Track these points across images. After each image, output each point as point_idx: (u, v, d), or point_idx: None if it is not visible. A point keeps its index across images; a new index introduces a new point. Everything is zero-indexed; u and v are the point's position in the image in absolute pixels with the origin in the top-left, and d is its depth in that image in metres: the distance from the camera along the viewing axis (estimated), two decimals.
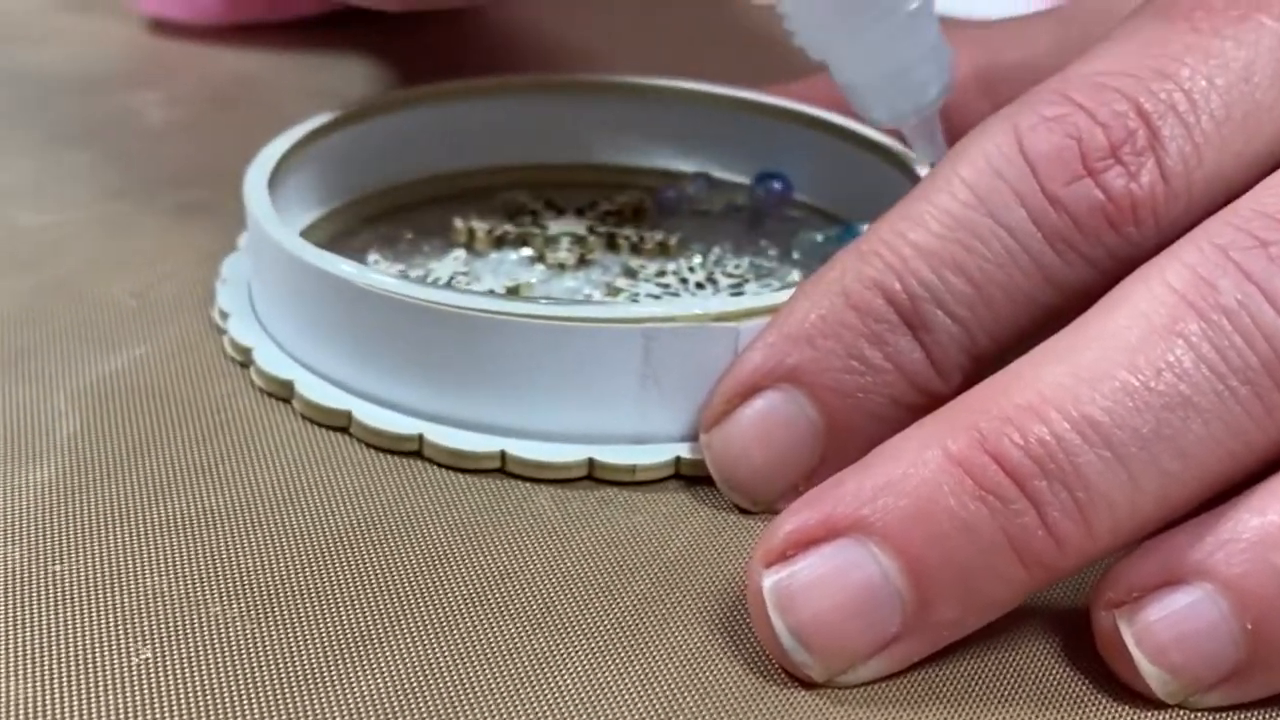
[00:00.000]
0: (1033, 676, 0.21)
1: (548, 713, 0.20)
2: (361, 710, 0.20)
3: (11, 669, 0.20)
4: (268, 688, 0.20)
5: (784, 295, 0.25)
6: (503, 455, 0.25)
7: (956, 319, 0.22)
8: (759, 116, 0.33)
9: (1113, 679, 0.21)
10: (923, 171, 0.28)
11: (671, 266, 0.30)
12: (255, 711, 0.19)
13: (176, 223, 0.33)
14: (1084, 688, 0.21)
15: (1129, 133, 0.22)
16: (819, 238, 0.31)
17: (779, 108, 0.33)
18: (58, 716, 0.19)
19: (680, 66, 0.35)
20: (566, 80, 0.34)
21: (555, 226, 0.31)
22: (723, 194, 0.33)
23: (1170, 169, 0.22)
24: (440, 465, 0.25)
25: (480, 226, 0.31)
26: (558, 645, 0.21)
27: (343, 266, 0.25)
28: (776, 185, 0.33)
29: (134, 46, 0.43)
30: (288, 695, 0.20)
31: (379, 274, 0.25)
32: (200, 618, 0.21)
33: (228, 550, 0.23)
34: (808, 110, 0.33)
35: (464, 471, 0.25)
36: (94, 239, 0.32)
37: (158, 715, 0.19)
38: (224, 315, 0.28)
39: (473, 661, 0.21)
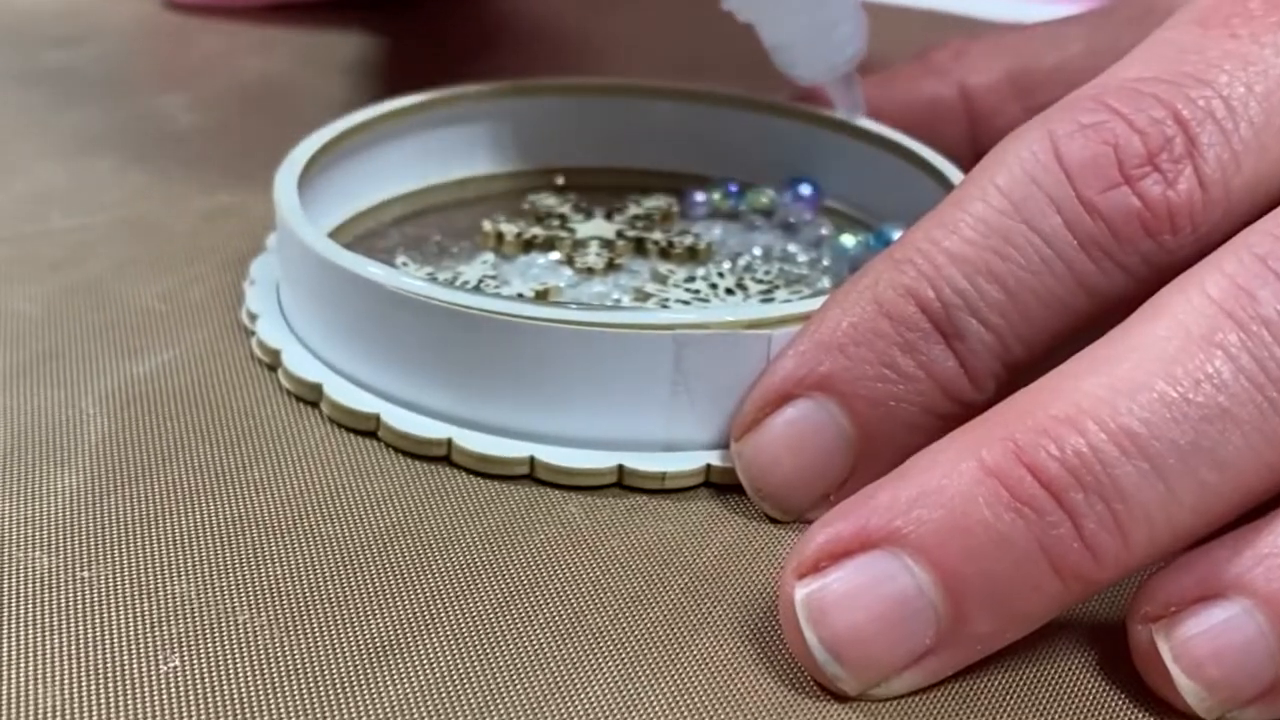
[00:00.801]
0: (1068, 690, 0.21)
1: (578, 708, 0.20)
2: (388, 716, 0.19)
3: (39, 676, 0.20)
4: (294, 696, 0.20)
5: (816, 303, 0.25)
6: (532, 461, 0.25)
7: (990, 327, 0.22)
8: (789, 121, 0.33)
9: (1149, 693, 0.21)
10: (849, 117, 0.32)
11: (701, 272, 0.30)
12: (282, 716, 0.19)
13: (205, 225, 0.33)
14: (1120, 702, 0.21)
15: (1166, 140, 0.22)
16: (849, 243, 0.31)
17: (808, 113, 0.33)
18: None
19: (682, 60, 0.34)
20: (595, 84, 0.34)
21: (584, 230, 0.31)
22: (752, 199, 0.33)
23: (1208, 176, 0.22)
24: (469, 471, 0.25)
25: (508, 229, 0.31)
26: (587, 655, 0.21)
27: (372, 269, 0.25)
28: (806, 190, 0.33)
29: (159, 48, 0.43)
30: (314, 704, 0.20)
31: (409, 277, 0.25)
32: (228, 625, 0.21)
33: (255, 557, 0.22)
34: (837, 115, 0.33)
35: (492, 477, 0.25)
36: (122, 241, 0.32)
37: None
38: (252, 317, 0.28)
39: (501, 670, 0.20)
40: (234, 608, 0.21)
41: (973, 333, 0.22)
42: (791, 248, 0.32)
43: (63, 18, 0.45)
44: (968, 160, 0.31)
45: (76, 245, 0.31)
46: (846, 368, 0.23)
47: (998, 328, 0.22)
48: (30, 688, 0.20)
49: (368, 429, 0.26)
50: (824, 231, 0.32)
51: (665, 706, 0.20)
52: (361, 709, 0.20)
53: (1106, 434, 0.20)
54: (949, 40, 0.34)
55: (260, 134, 0.37)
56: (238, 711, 0.19)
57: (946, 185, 0.30)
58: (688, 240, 0.31)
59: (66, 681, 0.20)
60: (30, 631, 0.21)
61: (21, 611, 0.21)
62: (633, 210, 0.32)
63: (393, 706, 0.20)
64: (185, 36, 0.43)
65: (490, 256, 0.30)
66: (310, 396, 0.26)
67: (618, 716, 0.20)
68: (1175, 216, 0.22)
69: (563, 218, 0.32)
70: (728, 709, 0.20)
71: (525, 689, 0.20)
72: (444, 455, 0.25)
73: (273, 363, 0.27)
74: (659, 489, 0.25)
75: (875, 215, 0.32)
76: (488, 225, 0.31)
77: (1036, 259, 0.22)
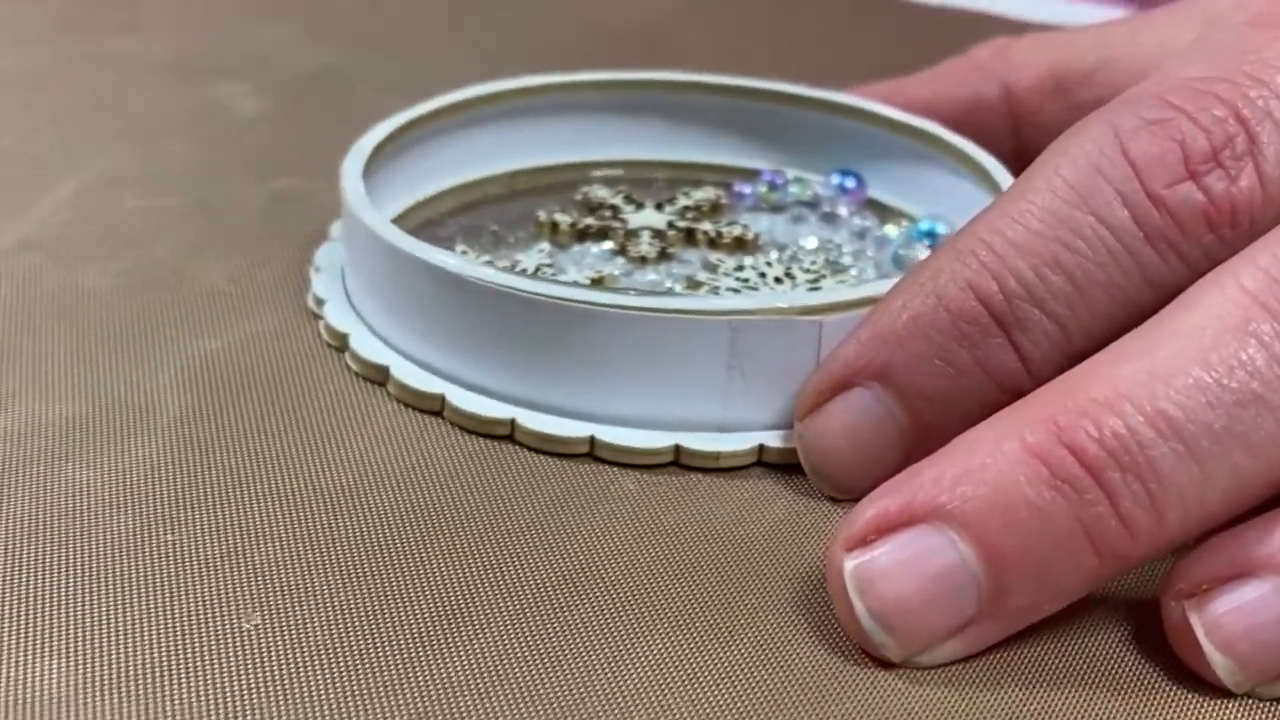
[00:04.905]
0: (1104, 663, 0.22)
1: (635, 689, 0.21)
2: (455, 679, 0.21)
3: (131, 631, 0.21)
4: (370, 654, 0.21)
5: (865, 290, 0.26)
6: (592, 440, 0.26)
7: (1055, 318, 0.23)
8: (835, 116, 0.34)
9: (1181, 667, 0.22)
10: None
11: (749, 261, 0.31)
12: (357, 675, 0.21)
13: (268, 210, 0.34)
14: (1153, 675, 0.22)
15: (1229, 137, 0.23)
16: (892, 234, 0.32)
17: (855, 107, 0.34)
18: (174, 678, 0.20)
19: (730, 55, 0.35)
20: (644, 79, 0.35)
21: (635, 220, 0.32)
22: (797, 191, 0.34)
23: (1267, 174, 0.23)
24: (531, 449, 0.26)
25: (563, 220, 0.32)
26: (644, 624, 0.22)
27: (442, 256, 0.26)
28: (850, 183, 0.34)
29: (217, 36, 0.44)
30: (388, 663, 0.21)
31: (475, 264, 0.26)
32: (306, 588, 0.22)
33: (330, 526, 0.24)
34: (883, 110, 0.34)
35: (554, 455, 0.26)
36: (190, 224, 0.33)
37: (266, 678, 0.20)
38: (319, 301, 0.29)
39: (561, 637, 0.22)
40: (311, 572, 0.22)
41: (1036, 323, 0.23)
42: (836, 238, 0.33)
43: (121, 6, 0.46)
44: (1009, 157, 0.32)
45: (147, 226, 0.33)
46: (904, 360, 0.24)
47: (1062, 318, 0.23)
48: (123, 643, 0.21)
49: (433, 409, 0.27)
50: (867, 223, 0.33)
51: (719, 673, 0.21)
52: (431, 671, 0.21)
53: (1144, 417, 0.21)
54: (993, 39, 0.35)
55: (316, 122, 0.38)
56: (317, 667, 0.21)
57: (988, 180, 0.31)
58: (736, 231, 0.32)
59: (157, 637, 0.21)
60: (120, 591, 0.22)
61: (111, 571, 0.22)
62: (682, 202, 0.33)
63: (461, 669, 0.21)
64: (241, 25, 0.45)
65: (546, 245, 0.32)
66: (377, 378, 0.28)
67: (673, 683, 0.21)
68: (1236, 211, 0.23)
69: (614, 209, 0.33)
70: (779, 675, 0.21)
71: (585, 655, 0.21)
72: (507, 434, 0.26)
73: (340, 345, 0.28)
74: (714, 468, 0.26)
75: (917, 207, 0.33)
76: (542, 215, 0.32)
77: (1103, 250, 0.23)
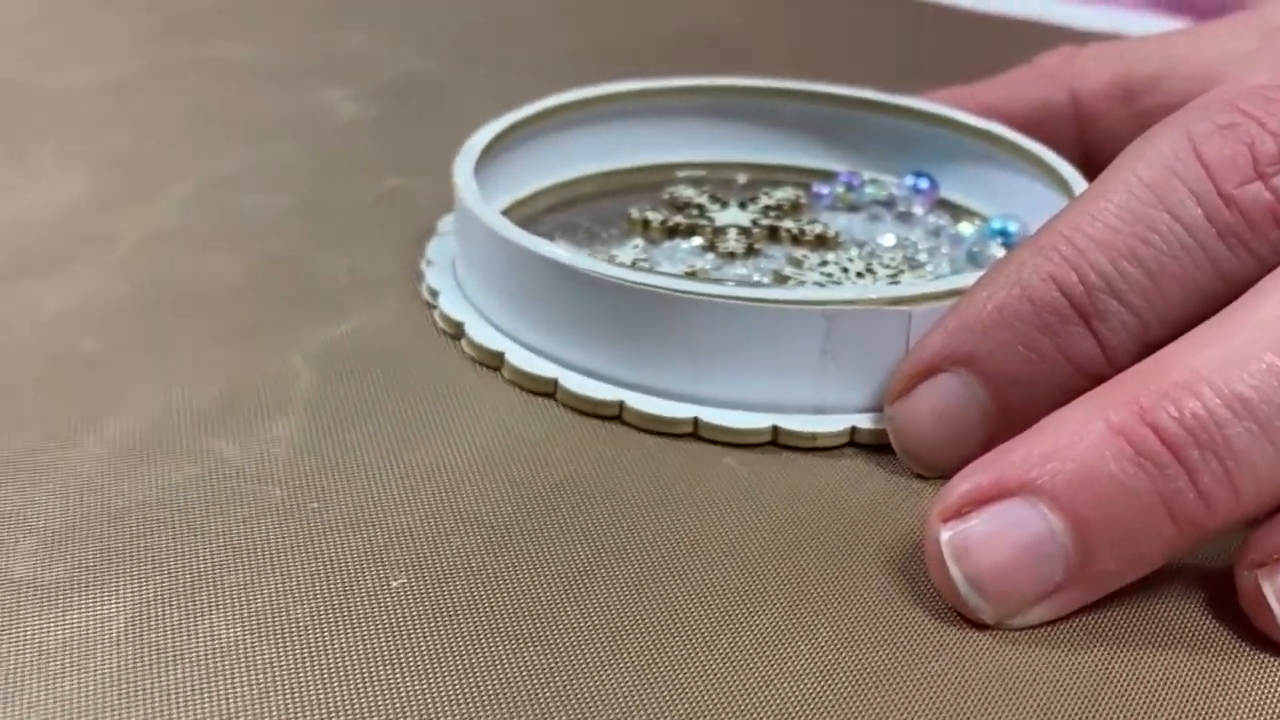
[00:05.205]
0: (1181, 627, 0.24)
1: (745, 651, 0.23)
2: (580, 640, 0.23)
3: (289, 590, 0.23)
4: (502, 611, 0.23)
5: (952, 283, 0.27)
6: (695, 422, 0.28)
7: (1132, 308, 0.25)
8: (908, 120, 0.36)
9: (1254, 631, 0.23)
10: None
11: (831, 257, 0.33)
12: (488, 630, 0.23)
13: (377, 207, 0.36)
14: (1228, 638, 0.23)
15: None
16: (966, 231, 0.34)
17: (928, 112, 0.36)
18: (330, 631, 0.22)
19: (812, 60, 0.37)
20: (727, 85, 0.37)
21: (721, 218, 0.34)
22: (873, 191, 0.35)
23: None
24: (638, 429, 0.28)
25: (654, 217, 0.34)
26: (755, 589, 0.24)
27: (555, 249, 0.28)
28: (924, 184, 0.35)
29: (315, 41, 0.46)
30: (518, 620, 0.23)
31: (587, 257, 0.28)
32: (442, 552, 0.24)
33: (457, 497, 0.26)
34: (955, 115, 0.35)
35: (660, 435, 0.28)
36: (305, 220, 0.35)
37: (414, 630, 0.22)
38: (433, 293, 0.32)
39: (678, 601, 0.23)
40: (446, 538, 0.24)
41: (1114, 313, 0.25)
42: (912, 236, 0.34)
43: (221, 12, 0.48)
44: (1075, 161, 0.34)
45: (265, 222, 0.35)
46: (989, 348, 0.26)
47: (1139, 309, 0.25)
48: (281, 600, 0.23)
49: (545, 391, 0.29)
50: (941, 221, 0.35)
51: (827, 635, 0.23)
52: (555, 632, 0.23)
53: (1221, 399, 0.22)
54: (1060, 47, 0.37)
55: (413, 125, 0.40)
56: (455, 623, 0.23)
57: (1058, 181, 0.32)
58: (817, 228, 0.34)
59: (312, 594, 0.23)
60: (277, 552, 0.24)
61: (268, 536, 0.24)
62: (764, 201, 0.35)
63: (581, 632, 0.23)
64: (335, 32, 0.47)
65: (639, 241, 0.33)
66: (492, 363, 0.30)
67: (783, 644, 0.23)
68: None
69: (700, 207, 0.35)
70: (881, 637, 0.23)
71: (699, 620, 0.23)
72: (616, 415, 0.28)
73: (455, 333, 0.30)
74: (809, 447, 0.28)
75: (988, 207, 0.35)
76: (634, 213, 0.34)
77: (1178, 245, 0.25)
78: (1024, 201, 0.34)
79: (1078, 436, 0.23)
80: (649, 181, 0.37)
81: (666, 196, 0.35)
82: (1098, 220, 0.25)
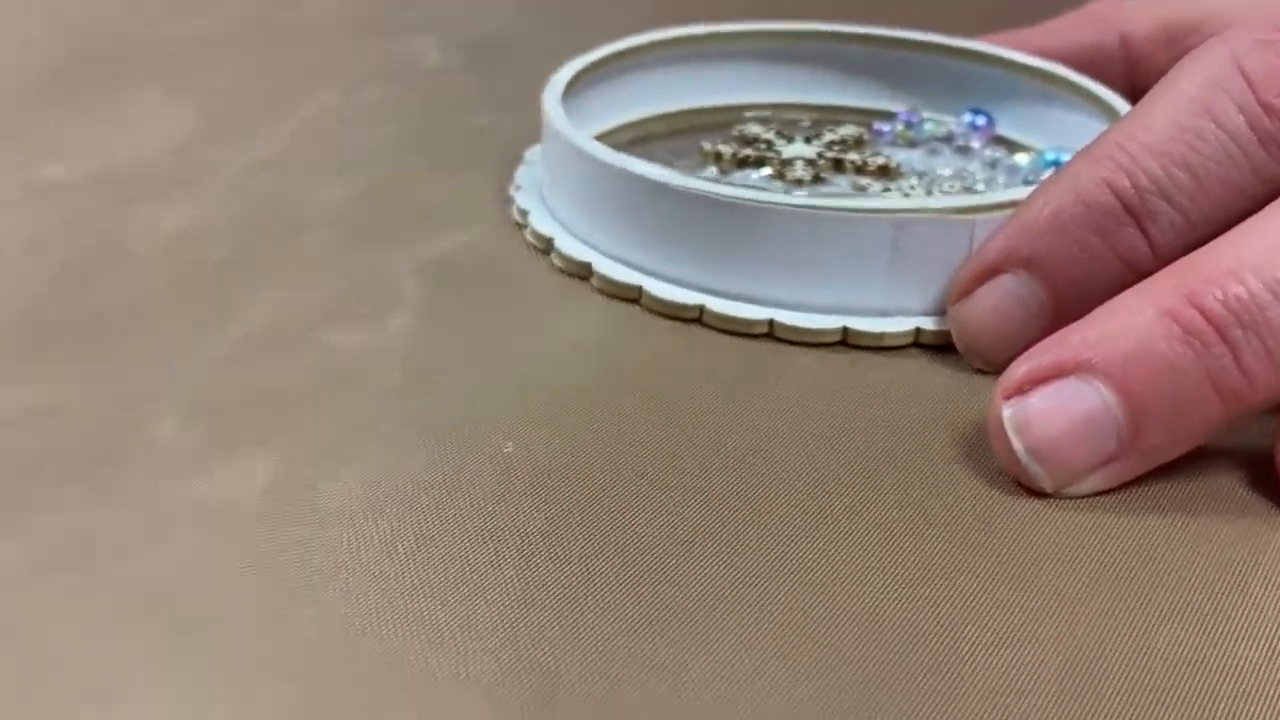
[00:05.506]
0: (1223, 498, 0.26)
1: (825, 514, 0.25)
2: (668, 495, 0.25)
3: (411, 450, 0.25)
4: (599, 472, 0.25)
5: (1011, 194, 0.30)
6: (771, 323, 0.30)
7: (1180, 209, 0.27)
8: (965, 61, 0.38)
9: None
10: None
11: (893, 186, 0.35)
12: (590, 488, 0.25)
13: (467, 141, 0.38)
14: (1266, 509, 0.25)
15: None
16: (1022, 161, 0.36)
17: (985, 53, 0.38)
18: (450, 487, 0.25)
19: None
20: (792, 29, 0.39)
21: (788, 151, 0.36)
22: (932, 128, 0.38)
23: None
24: (718, 330, 0.30)
25: (725, 149, 0.36)
26: (836, 468, 0.26)
27: (641, 165, 0.31)
28: (981, 120, 0.38)
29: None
30: (614, 480, 0.25)
31: (671, 171, 0.31)
32: (546, 424, 0.27)
33: (557, 381, 0.28)
34: (1011, 55, 0.38)
35: (738, 335, 0.30)
36: (402, 152, 0.38)
37: (524, 488, 0.25)
38: (523, 213, 0.34)
39: (763, 480, 0.26)
40: (548, 413, 0.27)
41: (1163, 214, 0.27)
42: (970, 167, 0.37)
43: None
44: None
45: (364, 153, 0.37)
46: (1046, 249, 0.28)
47: (1186, 209, 0.27)
48: (405, 463, 0.25)
49: (631, 298, 0.31)
50: (997, 154, 0.37)
51: (897, 504, 0.25)
52: (644, 491, 0.25)
53: (1263, 283, 0.25)
54: None
55: (497, 74, 0.43)
56: (559, 482, 0.25)
57: (1111, 114, 0.35)
58: (880, 159, 0.36)
59: (433, 459, 0.25)
60: (397, 424, 0.26)
61: (392, 409, 0.27)
62: (828, 136, 0.37)
63: (672, 494, 0.25)
64: None
65: (712, 170, 0.36)
66: (580, 273, 0.32)
67: (858, 512, 0.25)
68: None
69: (769, 142, 0.37)
70: (948, 504, 0.25)
71: (787, 495, 0.25)
72: (696, 318, 0.30)
73: (545, 248, 0.33)
74: (877, 346, 0.30)
75: (1041, 141, 0.37)
76: (707, 145, 0.36)
77: (1222, 151, 0.27)
78: (1077, 137, 0.36)
79: (1130, 320, 0.25)
80: (718, 121, 0.39)
81: (736, 133, 0.38)
82: (1149, 130, 0.27)
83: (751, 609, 0.22)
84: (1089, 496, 0.26)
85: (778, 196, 0.30)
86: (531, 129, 0.34)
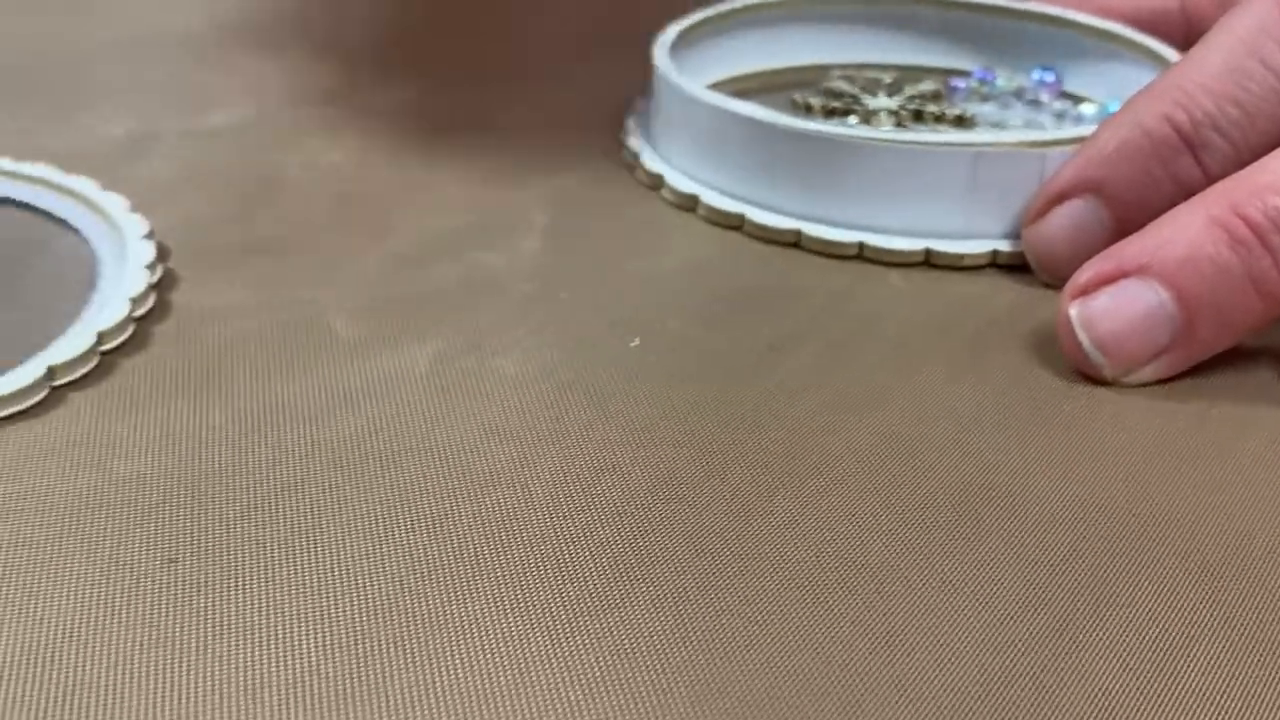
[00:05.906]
0: (1261, 393, 0.29)
1: (909, 401, 0.28)
2: (773, 382, 0.28)
3: (548, 346, 0.29)
4: (709, 371, 0.29)
5: (1078, 131, 0.33)
6: (861, 245, 0.34)
7: (1230, 140, 0.30)
8: (1035, 24, 0.42)
9: None
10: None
11: (969, 136, 0.39)
12: (701, 383, 0.28)
13: (579, 93, 0.42)
14: None
15: None
16: (1089, 111, 0.40)
17: (1053, 15, 0.41)
18: (589, 372, 0.28)
19: None
20: None
21: (872, 104, 0.40)
22: (1004, 84, 0.41)
23: None
24: (813, 252, 0.34)
25: (815, 102, 0.40)
26: (923, 361, 0.30)
27: (750, 106, 0.34)
28: (1050, 77, 0.41)
29: None
30: (721, 376, 0.29)
31: (771, 110, 0.34)
32: (665, 328, 0.30)
33: (672, 295, 0.32)
34: (1077, 17, 0.41)
35: (831, 257, 0.34)
36: (521, 101, 0.42)
37: (649, 376, 0.28)
38: (634, 154, 0.38)
39: (852, 373, 0.29)
40: (665, 320, 0.31)
41: (1216, 145, 0.30)
42: (1040, 118, 0.40)
43: None
44: None
45: (485, 106, 0.41)
46: (1112, 176, 0.31)
47: (1236, 140, 0.30)
48: (547, 354, 0.29)
49: (734, 225, 0.35)
50: (1064, 106, 0.40)
51: (975, 391, 0.29)
52: (756, 383, 0.29)
53: None
54: None
55: (601, 41, 0.47)
56: (678, 370, 0.29)
57: (1167, 66, 0.38)
58: (956, 111, 0.40)
59: (569, 353, 0.29)
60: (535, 326, 0.30)
61: (525, 315, 0.31)
62: (909, 91, 0.41)
63: (775, 381, 0.29)
64: None
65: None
66: (688, 206, 0.36)
67: (941, 399, 0.28)
68: None
69: (855, 96, 0.41)
70: (1023, 392, 0.29)
71: (870, 385, 0.29)
72: (794, 242, 0.34)
73: (655, 185, 0.37)
74: (958, 266, 0.33)
75: (1104, 95, 0.40)
76: (797, 98, 0.40)
77: (1269, 88, 0.30)
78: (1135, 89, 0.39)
79: (1183, 229, 0.29)
80: (806, 80, 0.43)
81: (824, 88, 0.41)
82: (1203, 71, 0.31)
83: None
84: (1146, 385, 0.29)
85: (869, 131, 0.33)
86: (636, 81, 0.38)
